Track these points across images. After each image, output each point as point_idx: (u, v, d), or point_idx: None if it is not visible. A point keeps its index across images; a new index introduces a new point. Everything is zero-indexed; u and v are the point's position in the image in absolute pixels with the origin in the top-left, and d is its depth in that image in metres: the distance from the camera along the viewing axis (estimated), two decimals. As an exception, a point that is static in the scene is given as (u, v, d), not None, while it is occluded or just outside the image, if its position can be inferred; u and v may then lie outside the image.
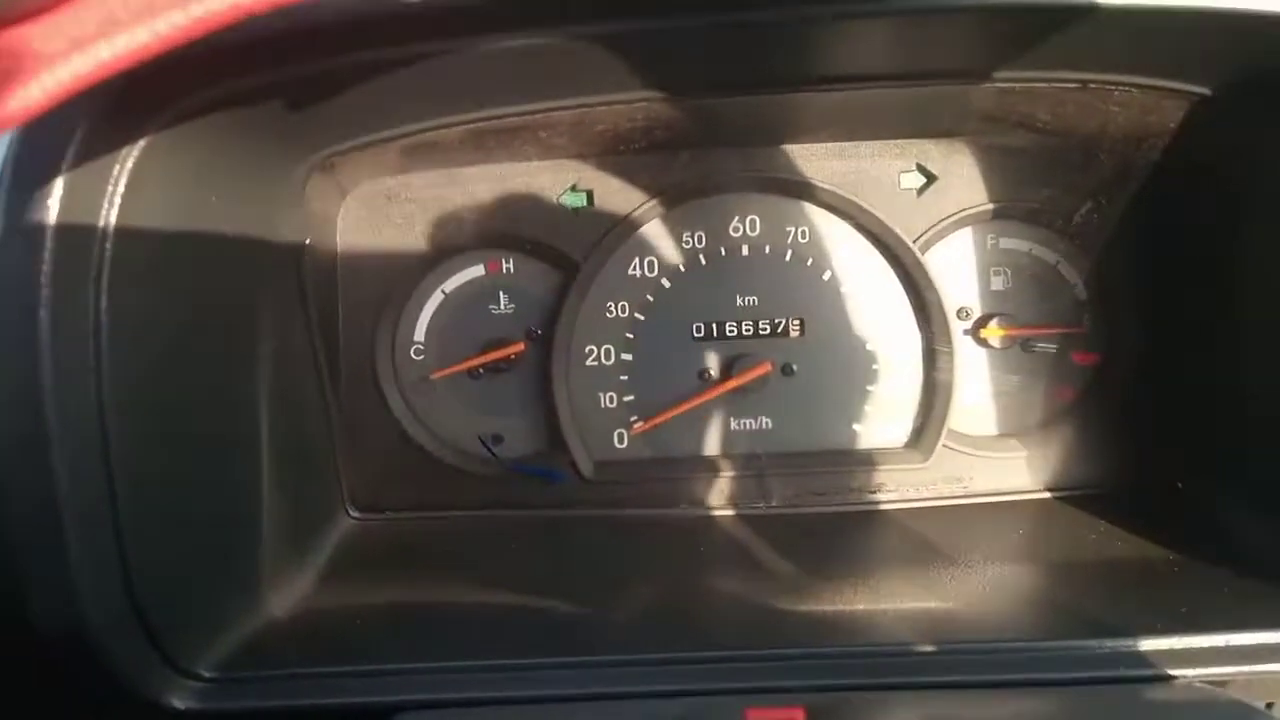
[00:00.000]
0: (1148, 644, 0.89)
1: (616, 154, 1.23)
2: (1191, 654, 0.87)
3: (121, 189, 0.77)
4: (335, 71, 0.82)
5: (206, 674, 0.88)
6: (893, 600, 1.02)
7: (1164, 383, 1.23)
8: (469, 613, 1.05)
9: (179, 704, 0.86)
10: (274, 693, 0.89)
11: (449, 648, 0.94)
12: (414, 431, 1.30)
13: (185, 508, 0.89)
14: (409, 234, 1.27)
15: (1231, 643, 0.88)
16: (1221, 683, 0.88)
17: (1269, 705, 0.89)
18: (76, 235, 0.75)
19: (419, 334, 1.31)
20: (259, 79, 0.80)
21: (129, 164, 0.77)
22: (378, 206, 1.25)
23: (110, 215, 0.76)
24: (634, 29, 0.80)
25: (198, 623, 0.91)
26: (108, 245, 0.76)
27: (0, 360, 0.74)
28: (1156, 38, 0.84)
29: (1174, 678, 0.86)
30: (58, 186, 0.73)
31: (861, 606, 1.01)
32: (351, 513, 1.27)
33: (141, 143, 0.77)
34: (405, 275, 1.28)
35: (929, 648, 0.90)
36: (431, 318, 1.31)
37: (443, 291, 1.31)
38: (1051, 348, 1.31)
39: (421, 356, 1.32)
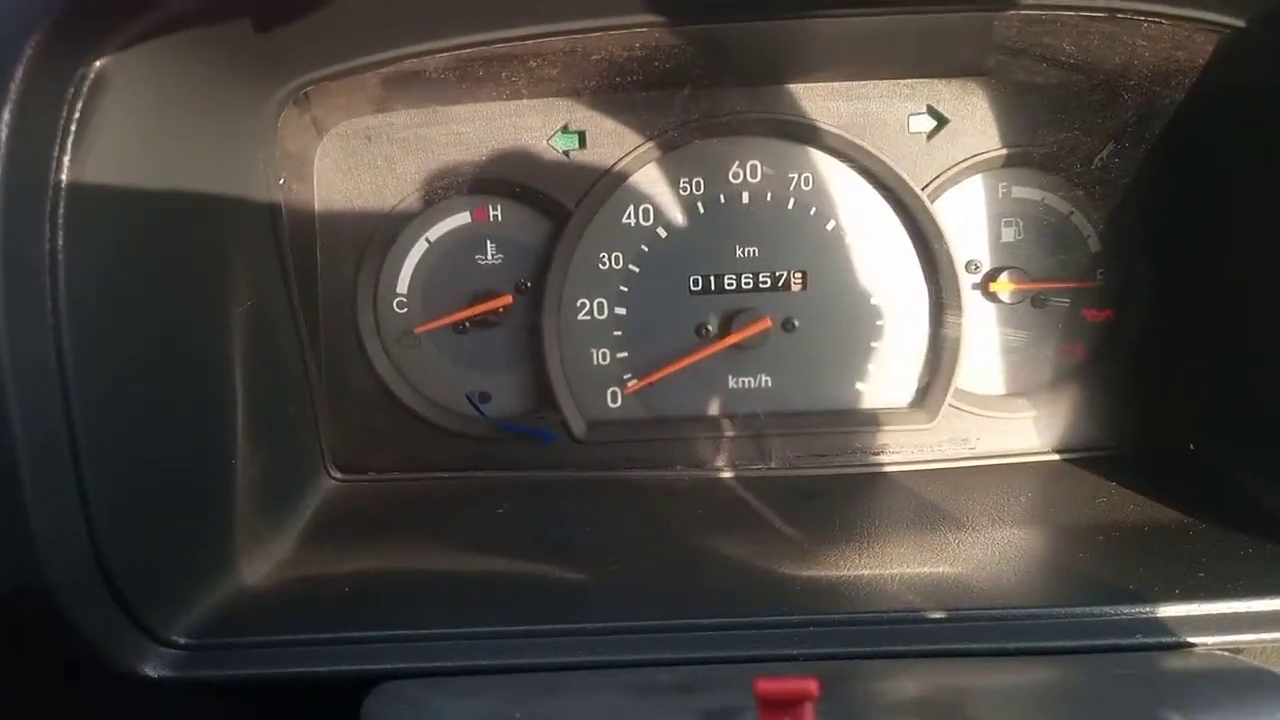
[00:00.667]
0: (1165, 610, 0.85)
1: (611, 91, 1.16)
2: (1209, 621, 0.83)
3: (76, 116, 0.70)
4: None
5: (180, 640, 0.84)
6: (899, 565, 0.98)
7: (1179, 341, 1.18)
8: (455, 578, 1.00)
9: (151, 672, 0.81)
10: (252, 661, 0.85)
11: (434, 615, 0.90)
12: (398, 389, 1.24)
13: (154, 466, 0.84)
14: (390, 178, 1.20)
15: (1250, 609, 0.84)
16: (1239, 650, 0.84)
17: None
18: (25, 168, 0.68)
19: (402, 286, 1.25)
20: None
21: (83, 89, 0.70)
22: (356, 148, 1.18)
23: (64, 145, 0.69)
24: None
25: (170, 588, 0.85)
26: (62, 179, 0.70)
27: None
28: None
29: (1192, 645, 0.83)
30: (3, 112, 0.66)
31: (867, 571, 0.97)
32: (333, 474, 1.21)
33: (96, 65, 0.70)
34: (387, 223, 1.21)
35: (939, 614, 0.86)
36: (415, 268, 1.24)
37: (427, 240, 1.24)
38: (1064, 303, 1.25)
39: (405, 310, 1.25)
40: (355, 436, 1.23)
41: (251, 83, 0.91)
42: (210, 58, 0.81)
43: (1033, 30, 0.91)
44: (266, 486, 1.04)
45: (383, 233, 1.22)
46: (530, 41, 0.89)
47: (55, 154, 0.70)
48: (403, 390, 1.24)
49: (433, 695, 0.77)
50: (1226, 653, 0.83)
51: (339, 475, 1.22)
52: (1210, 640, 0.82)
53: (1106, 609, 0.85)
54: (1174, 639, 0.83)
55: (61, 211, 0.70)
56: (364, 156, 1.19)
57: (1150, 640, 0.83)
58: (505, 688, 0.78)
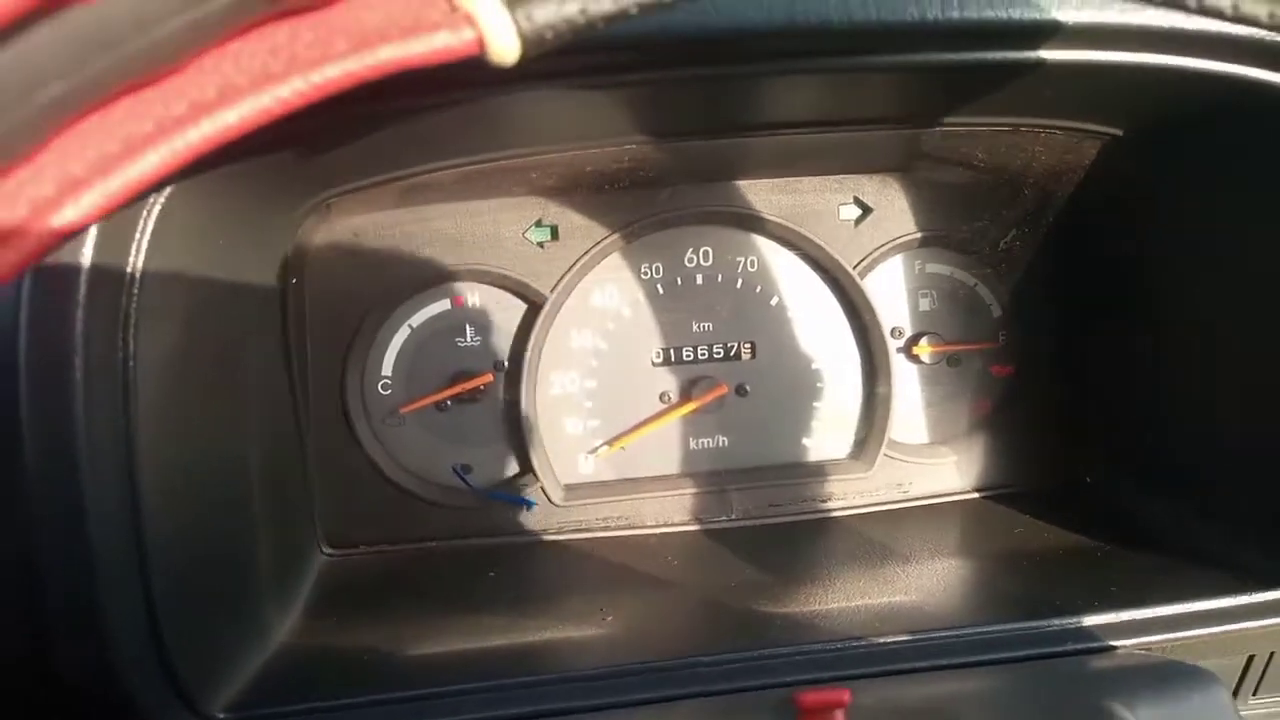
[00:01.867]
0: (1088, 620, 1.01)
1: (595, 191, 1.29)
2: (1126, 626, 0.99)
3: (148, 235, 0.78)
4: (353, 118, 0.86)
5: (221, 716, 0.89)
6: (857, 598, 1.12)
7: (1071, 391, 1.38)
8: (462, 637, 1.08)
9: None
10: None
11: (453, 672, 0.98)
12: (385, 466, 1.32)
13: (199, 553, 0.91)
14: (375, 272, 1.29)
15: (1158, 614, 1.00)
16: (1151, 649, 1.01)
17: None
18: (108, 282, 0.76)
19: (386, 369, 1.33)
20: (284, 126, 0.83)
21: (155, 210, 0.78)
22: (344, 245, 1.27)
23: (138, 261, 0.78)
24: (633, 81, 0.88)
25: (211, 666, 0.91)
26: (135, 291, 0.78)
27: (34, 410, 0.74)
28: (1075, 86, 0.96)
29: (1114, 648, 0.99)
30: (90, 235, 0.74)
31: (829, 605, 1.10)
32: (324, 550, 1.27)
33: (167, 189, 0.79)
34: (373, 313, 1.31)
35: (899, 637, 1.00)
36: (399, 353, 1.34)
37: (409, 326, 1.34)
38: (974, 362, 1.44)
39: (389, 391, 1.34)
40: (345, 513, 1.30)
41: (287, 197, 1.00)
42: (256, 177, 0.90)
43: (951, 142, 1.10)
44: (275, 566, 1.10)
45: (369, 322, 1.31)
46: (535, 158, 1.02)
47: (129, 272, 0.78)
48: (389, 467, 1.32)
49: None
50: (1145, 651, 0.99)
51: (330, 551, 1.28)
52: (1129, 642, 0.98)
53: (1040, 623, 1.00)
54: (1099, 644, 0.99)
55: (134, 318, 0.78)
56: (351, 252, 1.28)
57: (1080, 646, 0.99)
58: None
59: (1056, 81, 0.93)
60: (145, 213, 0.78)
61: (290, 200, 1.02)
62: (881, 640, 1.00)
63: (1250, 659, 1.09)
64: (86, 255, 0.74)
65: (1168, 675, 0.92)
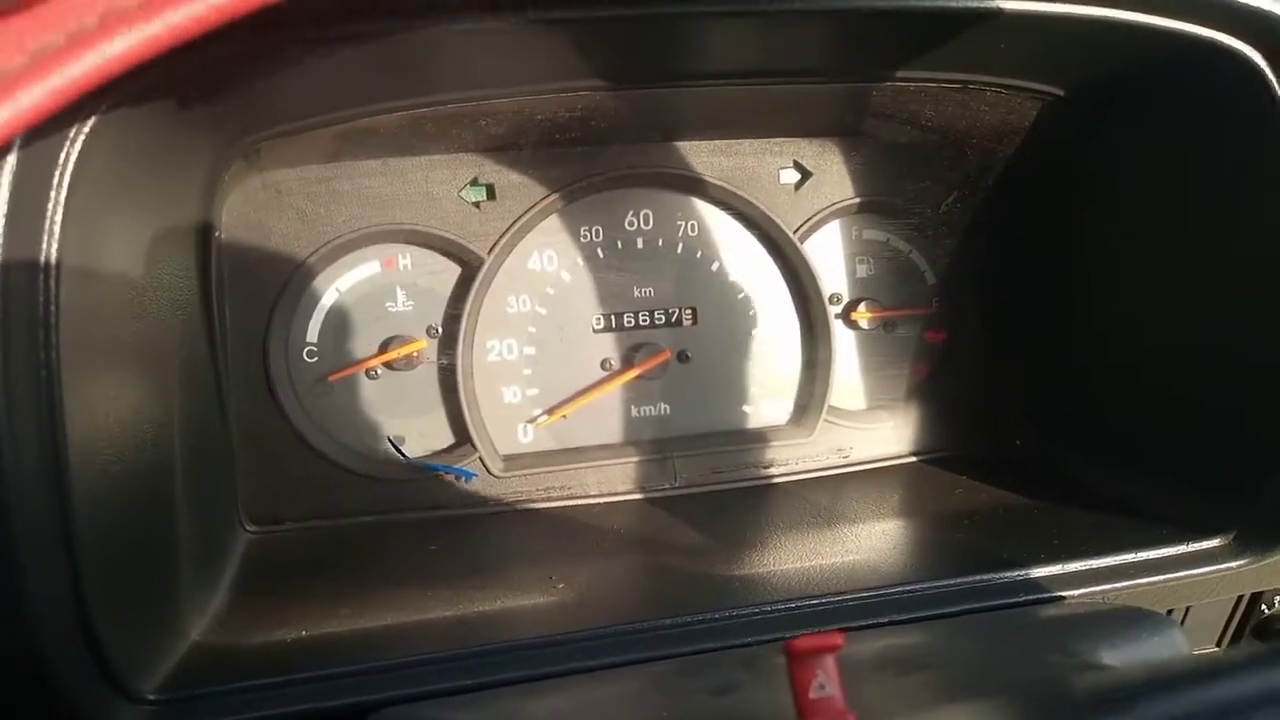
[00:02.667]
0: (1037, 572, 1.03)
1: (549, 146, 1.24)
2: (1073, 577, 1.01)
3: (69, 175, 0.70)
4: (281, 50, 0.79)
5: (151, 696, 0.82)
6: (808, 559, 1.11)
7: (1003, 355, 1.40)
8: (403, 610, 1.02)
9: None
10: (225, 709, 0.84)
11: (397, 645, 0.93)
12: (311, 436, 1.24)
13: (125, 528, 0.83)
14: (301, 230, 1.22)
15: (1102, 564, 1.03)
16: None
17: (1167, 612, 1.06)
18: (27, 221, 0.68)
19: (312, 335, 1.26)
20: (202, 57, 0.76)
21: (76, 147, 0.71)
22: (266, 201, 1.19)
23: (59, 200, 0.70)
24: (586, 18, 0.84)
25: (139, 644, 0.84)
26: (55, 233, 0.70)
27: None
28: (1021, 41, 0.97)
29: (1063, 597, 1.01)
30: (5, 172, 0.66)
31: (781, 567, 1.09)
32: (247, 526, 1.19)
33: (88, 124, 0.71)
34: (297, 275, 1.23)
35: (854, 595, 0.99)
36: (326, 317, 1.26)
37: (337, 290, 1.26)
38: (910, 328, 1.46)
39: (315, 359, 1.26)
40: (268, 488, 1.22)
41: (210, 138, 0.92)
42: (177, 117, 0.83)
43: (901, 99, 1.10)
44: (198, 543, 1.02)
45: (293, 284, 1.23)
46: (484, 102, 0.97)
47: (49, 208, 0.70)
48: (317, 438, 1.25)
49: (444, 712, 0.81)
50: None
51: (252, 528, 1.20)
52: (1075, 592, 1.00)
53: (991, 576, 1.01)
54: (1049, 594, 1.00)
55: (54, 265, 0.70)
56: (274, 209, 1.20)
57: (1031, 597, 1.00)
58: (510, 699, 0.83)
59: (1005, 33, 0.94)
60: (65, 151, 0.71)
61: (215, 142, 0.94)
62: (837, 597, 0.99)
63: (1187, 610, 1.13)
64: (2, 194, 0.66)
65: (1125, 619, 0.95)
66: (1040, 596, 1.01)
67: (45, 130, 0.70)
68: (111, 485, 0.81)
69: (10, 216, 0.66)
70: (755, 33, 0.95)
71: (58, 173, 0.70)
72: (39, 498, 0.71)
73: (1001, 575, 1.02)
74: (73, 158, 0.71)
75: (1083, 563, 1.03)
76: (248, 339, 1.21)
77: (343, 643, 0.95)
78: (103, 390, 0.80)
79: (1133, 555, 1.05)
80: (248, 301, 1.20)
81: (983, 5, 0.88)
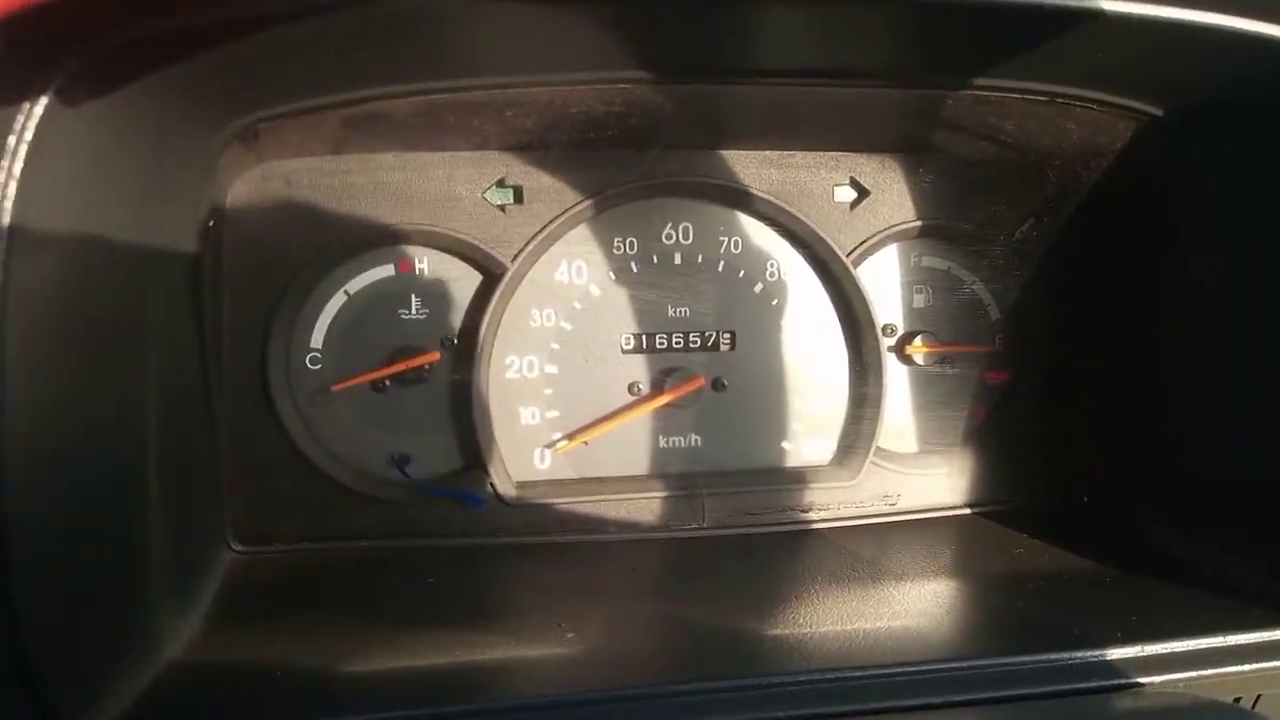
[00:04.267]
0: (1113, 653, 0.89)
1: (581, 147, 1.14)
2: (1153, 661, 0.88)
3: (25, 143, 0.61)
4: (281, 15, 0.69)
5: None
6: (840, 621, 0.99)
7: (1074, 402, 1.27)
8: (390, 653, 0.91)
9: None
10: None
11: (377, 695, 0.82)
12: (309, 450, 1.14)
13: (78, 542, 0.73)
14: (310, 226, 1.12)
15: (1188, 648, 0.90)
16: (1183, 687, 0.90)
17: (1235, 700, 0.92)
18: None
19: (316, 340, 1.16)
20: (183, 19, 0.66)
21: (31, 122, 0.61)
22: (274, 192, 1.10)
23: (12, 172, 0.60)
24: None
25: (86, 681, 0.74)
26: (7, 206, 0.60)
27: None
28: (1123, 49, 0.86)
29: (1142, 685, 0.88)
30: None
31: (810, 629, 0.97)
32: (234, 546, 1.09)
33: (44, 98, 0.62)
34: (303, 273, 1.13)
35: (890, 669, 0.87)
36: (332, 322, 1.16)
37: (346, 293, 1.17)
38: (969, 366, 1.33)
39: (319, 366, 1.16)
40: (259, 504, 1.12)
41: (202, 113, 0.83)
42: (162, 86, 0.73)
43: (980, 110, 0.99)
44: (171, 564, 0.92)
45: (298, 283, 1.13)
46: (511, 90, 0.86)
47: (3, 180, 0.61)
48: (314, 452, 1.15)
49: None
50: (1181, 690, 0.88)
51: (239, 547, 1.10)
52: (1158, 679, 0.87)
53: (1056, 655, 0.88)
54: (1126, 680, 0.87)
55: (6, 242, 0.61)
56: (282, 201, 1.10)
57: (1106, 683, 0.87)
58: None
59: (1107, 39, 0.82)
60: (21, 116, 0.61)
61: (210, 119, 0.84)
62: (881, 671, 0.87)
63: (1258, 698, 0.99)
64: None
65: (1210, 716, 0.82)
66: (1114, 683, 0.88)
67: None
68: (62, 494, 0.71)
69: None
70: (819, 21, 0.84)
71: (12, 139, 0.61)
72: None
73: (1070, 655, 0.89)
74: (29, 127, 0.62)
75: (1162, 645, 0.90)
76: (245, 341, 1.11)
77: (322, 688, 0.84)
78: (55, 381, 0.70)
79: (1220, 639, 0.91)
80: (248, 298, 1.11)
81: (1084, 4, 0.76)
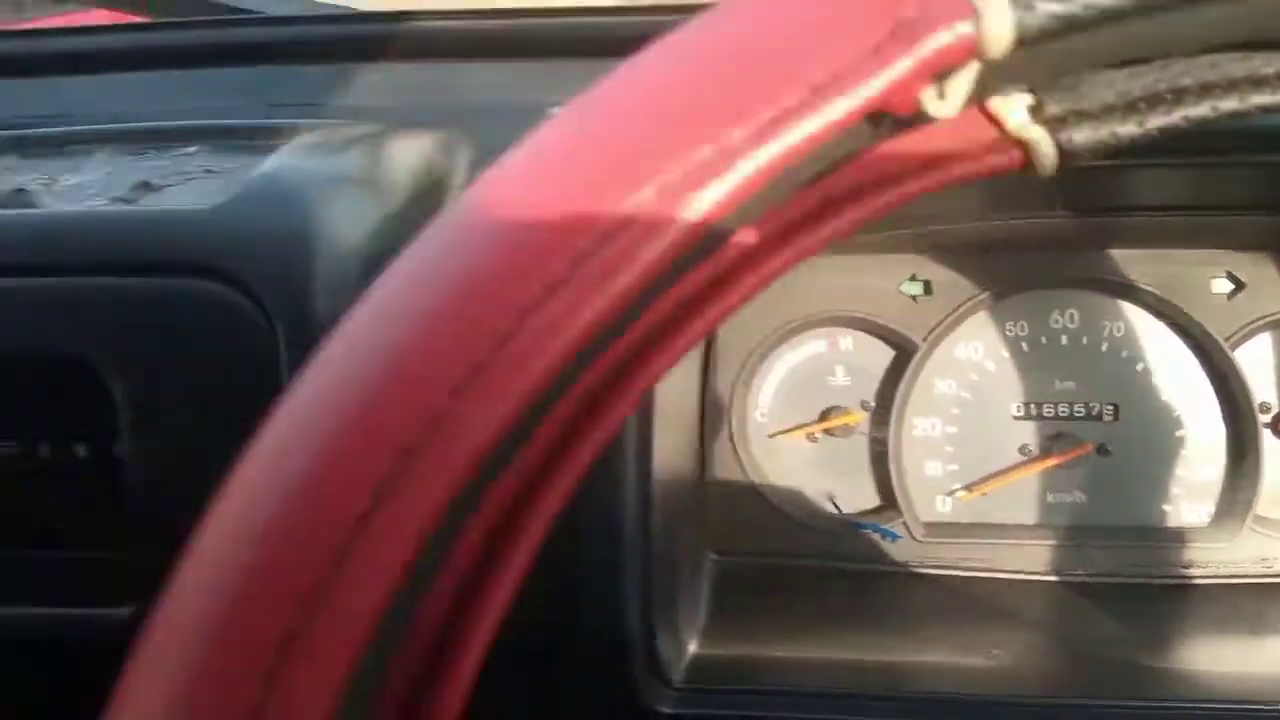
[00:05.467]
0: None
1: (951, 253, 1.42)
2: None
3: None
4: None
5: (682, 685, 1.07)
6: (1226, 664, 1.14)
7: None
8: (833, 646, 1.20)
9: (667, 709, 1.03)
10: (746, 705, 1.07)
11: (837, 675, 1.12)
12: (760, 484, 1.47)
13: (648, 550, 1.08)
14: (762, 315, 1.47)
15: None
16: None
17: None
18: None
19: (765, 399, 1.50)
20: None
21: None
22: (745, 287, 1.46)
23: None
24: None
25: (669, 643, 1.08)
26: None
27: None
28: None
29: None
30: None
31: (1215, 669, 1.13)
32: (711, 555, 1.43)
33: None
34: (760, 348, 1.48)
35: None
36: (778, 387, 1.50)
37: (787, 365, 1.50)
38: (1348, 444, 1.42)
39: (765, 419, 1.49)
40: (726, 523, 1.45)
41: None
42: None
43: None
44: (680, 564, 1.26)
45: (755, 357, 1.48)
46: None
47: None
48: (765, 486, 1.47)
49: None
50: None
51: (716, 555, 1.43)
52: None
53: None
54: None
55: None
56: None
57: None
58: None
59: None
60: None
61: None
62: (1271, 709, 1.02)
63: None
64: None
65: None
66: None
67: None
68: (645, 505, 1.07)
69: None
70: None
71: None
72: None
73: None
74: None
75: None
76: (717, 399, 1.46)
77: (803, 666, 1.15)
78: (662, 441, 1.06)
79: None
80: (720, 371, 1.46)
81: None
